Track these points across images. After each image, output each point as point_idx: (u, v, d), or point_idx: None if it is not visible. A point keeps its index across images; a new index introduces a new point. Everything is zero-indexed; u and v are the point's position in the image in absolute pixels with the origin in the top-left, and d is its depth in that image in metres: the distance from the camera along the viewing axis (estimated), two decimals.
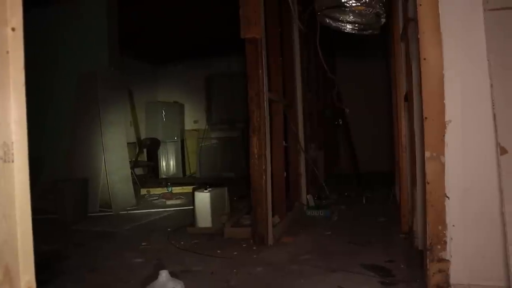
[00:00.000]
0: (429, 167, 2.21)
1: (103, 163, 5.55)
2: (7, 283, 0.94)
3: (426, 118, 2.23)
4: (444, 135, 2.20)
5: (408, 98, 3.48)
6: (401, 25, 3.74)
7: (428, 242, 2.22)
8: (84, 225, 4.78)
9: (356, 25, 3.42)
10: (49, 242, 3.83)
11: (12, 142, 0.95)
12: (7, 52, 0.96)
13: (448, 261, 2.19)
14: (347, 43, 7.44)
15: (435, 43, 2.23)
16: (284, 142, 4.62)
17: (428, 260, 2.22)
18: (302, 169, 5.32)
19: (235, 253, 3.43)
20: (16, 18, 0.98)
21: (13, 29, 0.97)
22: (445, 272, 2.19)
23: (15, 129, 0.96)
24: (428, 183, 2.22)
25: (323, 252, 3.37)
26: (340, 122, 8.44)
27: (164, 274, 1.87)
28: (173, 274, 1.93)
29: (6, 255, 0.94)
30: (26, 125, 1.00)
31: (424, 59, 2.24)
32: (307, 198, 5.29)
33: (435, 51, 2.23)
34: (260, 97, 3.60)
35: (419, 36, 2.27)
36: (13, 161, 0.95)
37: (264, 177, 3.60)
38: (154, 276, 1.94)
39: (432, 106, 2.22)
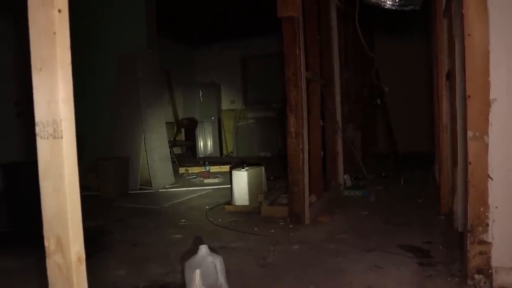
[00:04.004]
0: (472, 147, 2.15)
1: (143, 142, 5.69)
2: (59, 252, 1.00)
3: (469, 96, 2.16)
4: (488, 114, 2.12)
5: (450, 76, 3.38)
6: (444, 0, 3.60)
7: (469, 224, 2.17)
8: (126, 202, 4.95)
9: (397, 0, 3.31)
10: (93, 218, 3.99)
11: (61, 120, 1.00)
12: (54, 33, 1.00)
13: (489, 243, 2.14)
14: (386, 20, 7.23)
15: (481, 18, 2.13)
16: (321, 121, 4.59)
17: (468, 242, 2.17)
18: (339, 148, 5.28)
19: (272, 231, 3.47)
20: None
21: (59, 11, 1.00)
22: (486, 255, 2.14)
23: (63, 107, 1.01)
24: (470, 163, 2.16)
25: (360, 232, 3.36)
26: (378, 102, 8.27)
27: (204, 249, 1.92)
28: (211, 250, 1.98)
29: (57, 227, 1.00)
30: (73, 103, 1.04)
31: (469, 35, 2.16)
32: (344, 178, 5.26)
33: (480, 26, 2.13)
34: (298, 76, 3.57)
35: (463, 11, 2.18)
36: (62, 138, 1.00)
37: (301, 156, 3.60)
38: (194, 251, 1.99)
39: (476, 84, 2.14)
